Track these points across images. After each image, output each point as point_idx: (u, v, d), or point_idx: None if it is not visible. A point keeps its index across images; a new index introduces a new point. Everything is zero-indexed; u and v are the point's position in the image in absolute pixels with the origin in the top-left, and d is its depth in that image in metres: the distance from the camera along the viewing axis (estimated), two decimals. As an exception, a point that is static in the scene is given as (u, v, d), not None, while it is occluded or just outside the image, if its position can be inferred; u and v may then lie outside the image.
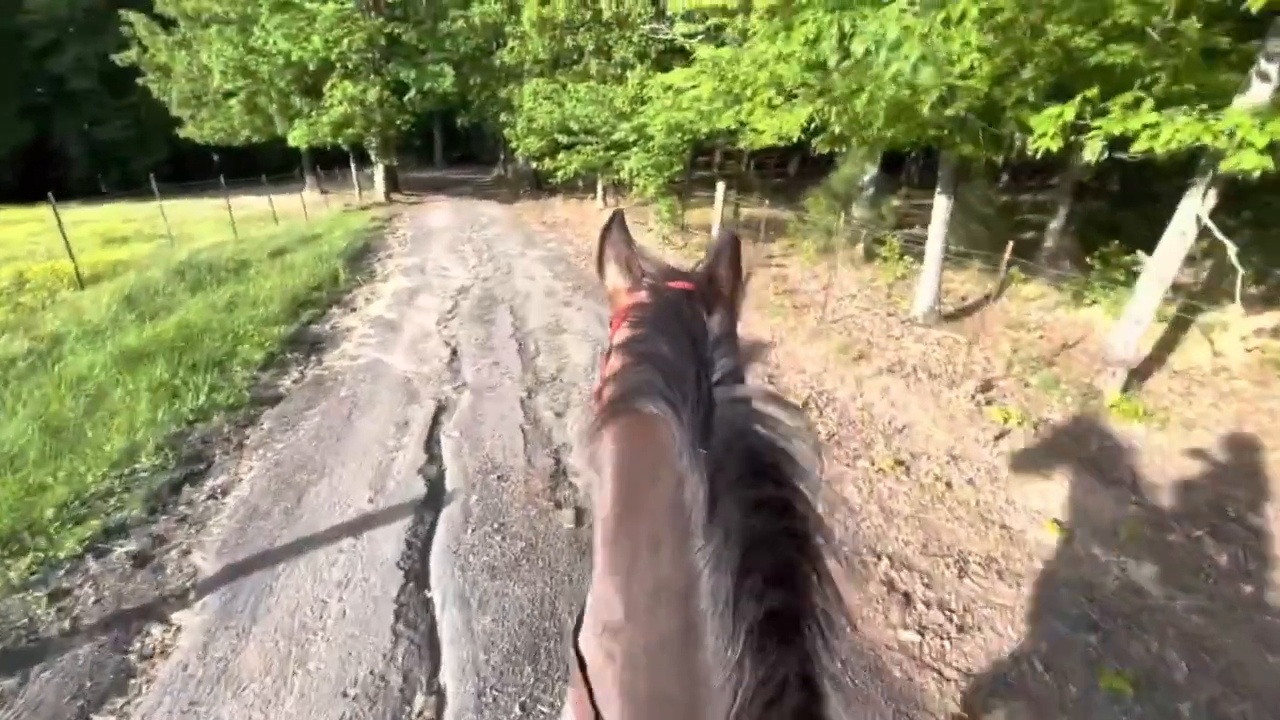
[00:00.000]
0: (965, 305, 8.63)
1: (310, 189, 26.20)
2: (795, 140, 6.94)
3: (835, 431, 4.81)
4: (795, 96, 6.68)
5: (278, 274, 8.99)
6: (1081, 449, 4.46)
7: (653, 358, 0.67)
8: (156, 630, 2.73)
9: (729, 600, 0.52)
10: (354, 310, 8.09)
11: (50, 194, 8.22)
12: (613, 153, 13.12)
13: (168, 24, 21.33)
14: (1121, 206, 11.11)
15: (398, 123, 19.78)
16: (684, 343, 0.68)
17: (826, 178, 19.48)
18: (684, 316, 0.73)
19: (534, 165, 16.37)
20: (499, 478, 4.00)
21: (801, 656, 0.53)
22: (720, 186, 10.47)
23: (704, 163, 23.09)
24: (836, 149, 6.43)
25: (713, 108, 7.18)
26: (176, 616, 2.81)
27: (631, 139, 11.00)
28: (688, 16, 11.03)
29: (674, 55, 12.57)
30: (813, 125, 6.22)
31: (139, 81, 22.59)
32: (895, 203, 16.92)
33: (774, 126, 6.81)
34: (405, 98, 18.70)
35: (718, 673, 0.51)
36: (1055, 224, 9.80)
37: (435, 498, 3.78)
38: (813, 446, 0.62)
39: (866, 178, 13.87)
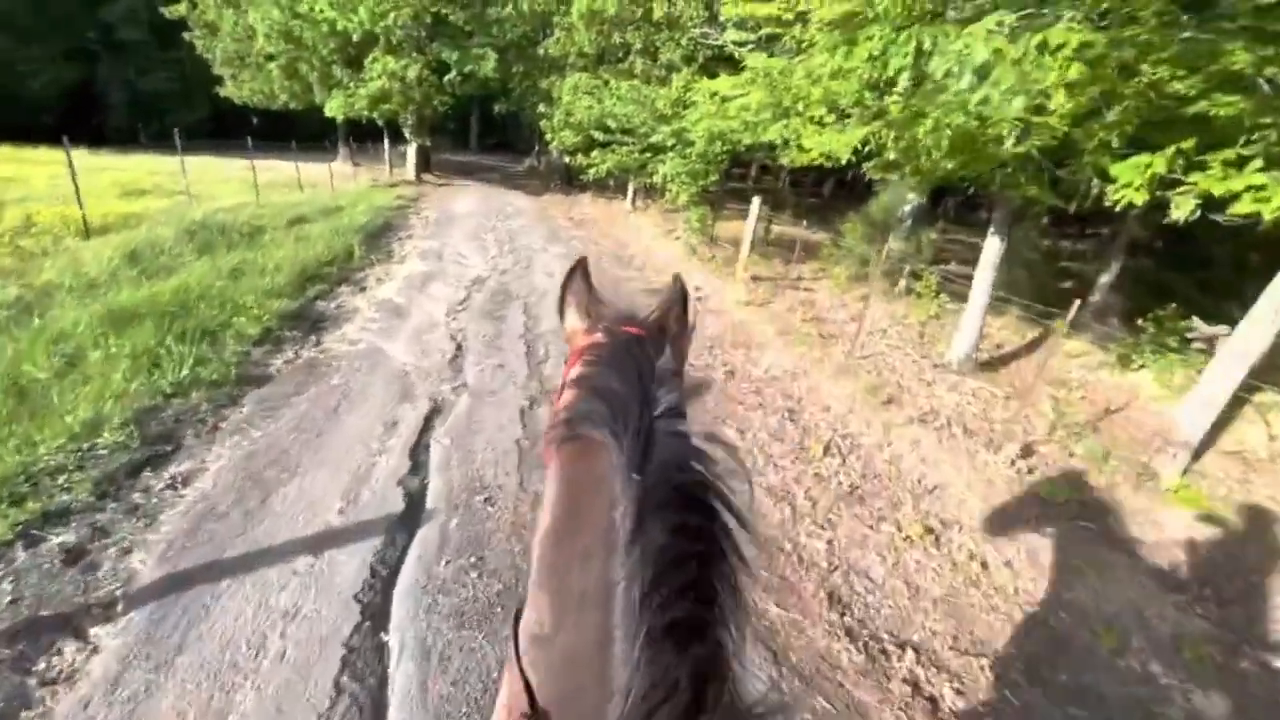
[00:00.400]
0: (1001, 353, 8.15)
1: (342, 160, 26.16)
2: (838, 162, 6.54)
3: (859, 485, 4.38)
4: (848, 116, 6.27)
5: (291, 244, 8.71)
6: (1136, 540, 4.00)
7: (601, 391, 0.72)
8: (70, 648, 2.37)
9: (635, 609, 0.57)
10: (363, 290, 7.77)
11: (65, 137, 7.95)
12: (648, 155, 12.74)
13: (220, -20, 21.31)
14: (1170, 267, 10.50)
15: (435, 103, 19.58)
16: (631, 378, 0.73)
17: (865, 204, 19.05)
18: (634, 355, 0.78)
19: (566, 160, 15.99)
20: (486, 500, 3.62)
21: (695, 662, 0.57)
22: (755, 202, 10.05)
23: (738, 175, 22.68)
24: (886, 176, 6.00)
25: (759, 119, 6.78)
26: (96, 632, 2.45)
27: (669, 143, 10.62)
28: (740, 24, 10.66)
29: (721, 62, 12.18)
30: (865, 149, 5.79)
31: (185, 36, 22.62)
32: (932, 236, 16.47)
33: (821, 145, 6.40)
34: (445, 78, 18.47)
35: (620, 675, 0.56)
36: (1106, 278, 9.28)
37: (412, 516, 3.40)
38: (742, 481, 0.69)
39: (907, 208, 13.41)
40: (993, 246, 6.42)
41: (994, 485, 4.49)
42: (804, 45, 7.02)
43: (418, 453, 4.05)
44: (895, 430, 5.23)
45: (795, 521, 3.83)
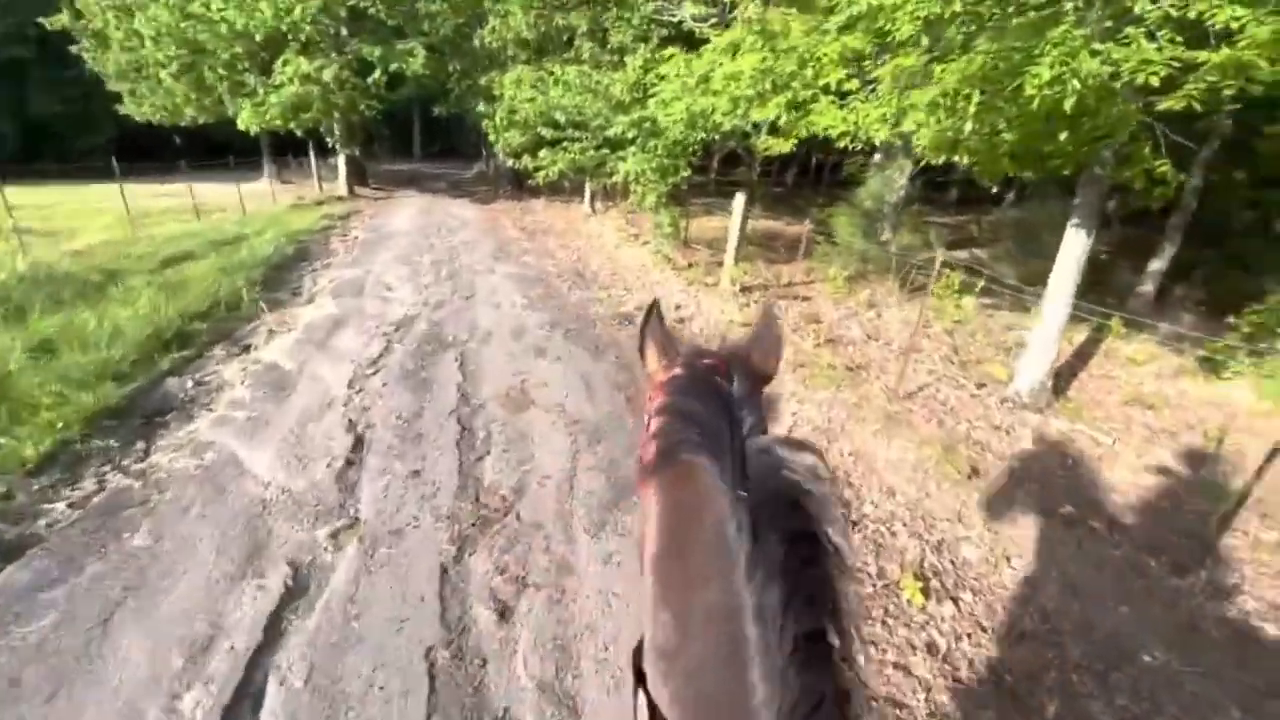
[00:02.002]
0: (1058, 366, 6.63)
1: (268, 179, 23.68)
2: (855, 143, 4.90)
3: (975, 634, 2.71)
4: (872, 83, 4.59)
5: (153, 293, 6.67)
6: None
7: (689, 416, 0.76)
8: None
9: (775, 622, 0.58)
10: (243, 353, 5.81)
11: None
12: (605, 152, 10.95)
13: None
14: (1241, 254, 8.70)
15: (361, 108, 17.40)
16: (715, 403, 0.77)
17: (834, 191, 17.55)
18: (714, 383, 0.81)
19: (513, 163, 13.95)
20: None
21: (835, 672, 0.58)
22: (739, 198, 8.36)
23: (699, 167, 20.88)
24: (935, 157, 4.33)
25: (756, 91, 5.06)
26: None
27: (630, 135, 8.88)
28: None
29: (679, 43, 10.45)
30: (917, 125, 4.10)
31: (72, 50, 19.93)
32: (944, 221, 15.04)
33: (841, 122, 4.73)
34: (370, 79, 16.31)
35: (764, 685, 0.56)
36: (1157, 264, 7.86)
37: None
38: (829, 485, 0.68)
39: (898, 195, 11.93)
40: (1076, 243, 4.83)
41: (1176, 613, 2.87)
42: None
43: (238, 714, 2.22)
44: (1005, 529, 3.58)
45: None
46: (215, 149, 25.11)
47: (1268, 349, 5.89)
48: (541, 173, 10.76)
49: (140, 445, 4.03)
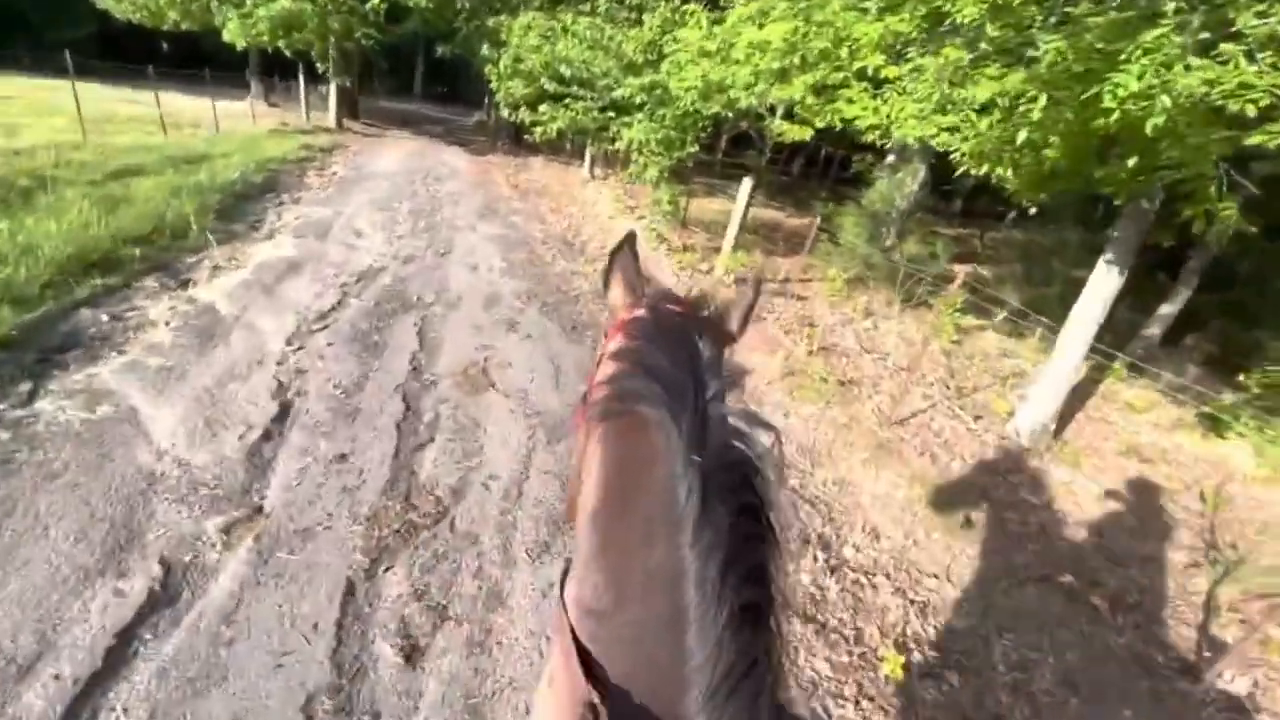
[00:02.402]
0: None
1: (254, 99, 22.34)
2: (884, 138, 4.39)
3: None
4: (916, 71, 4.05)
5: (87, 206, 5.96)
6: None
7: (653, 369, 0.71)
8: None
9: (715, 590, 0.58)
10: (180, 289, 5.19)
11: None
12: (610, 115, 10.25)
13: None
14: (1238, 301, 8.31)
15: (357, 35, 16.30)
16: (681, 358, 0.72)
17: (841, 186, 16.96)
18: (680, 336, 0.76)
19: (513, 115, 13.00)
20: None
21: (768, 641, 0.61)
22: (746, 184, 7.80)
23: (706, 145, 19.99)
24: (988, 171, 3.78)
25: (783, 65, 4.49)
26: None
27: (638, 99, 8.21)
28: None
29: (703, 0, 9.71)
30: (958, 128, 3.58)
31: (47, -71, 18.38)
32: (948, 233, 14.58)
33: (873, 114, 4.20)
34: (367, 3, 15.19)
35: (699, 651, 0.57)
36: (1168, 308, 7.52)
37: None
38: (778, 463, 0.75)
39: (907, 200, 11.46)
40: (1107, 281, 4.40)
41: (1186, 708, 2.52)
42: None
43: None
44: (998, 595, 3.19)
45: None
46: (204, 60, 23.62)
47: (1264, 414, 5.59)
48: (539, 129, 10.01)
49: (25, 387, 3.44)
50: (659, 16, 8.50)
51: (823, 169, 27.45)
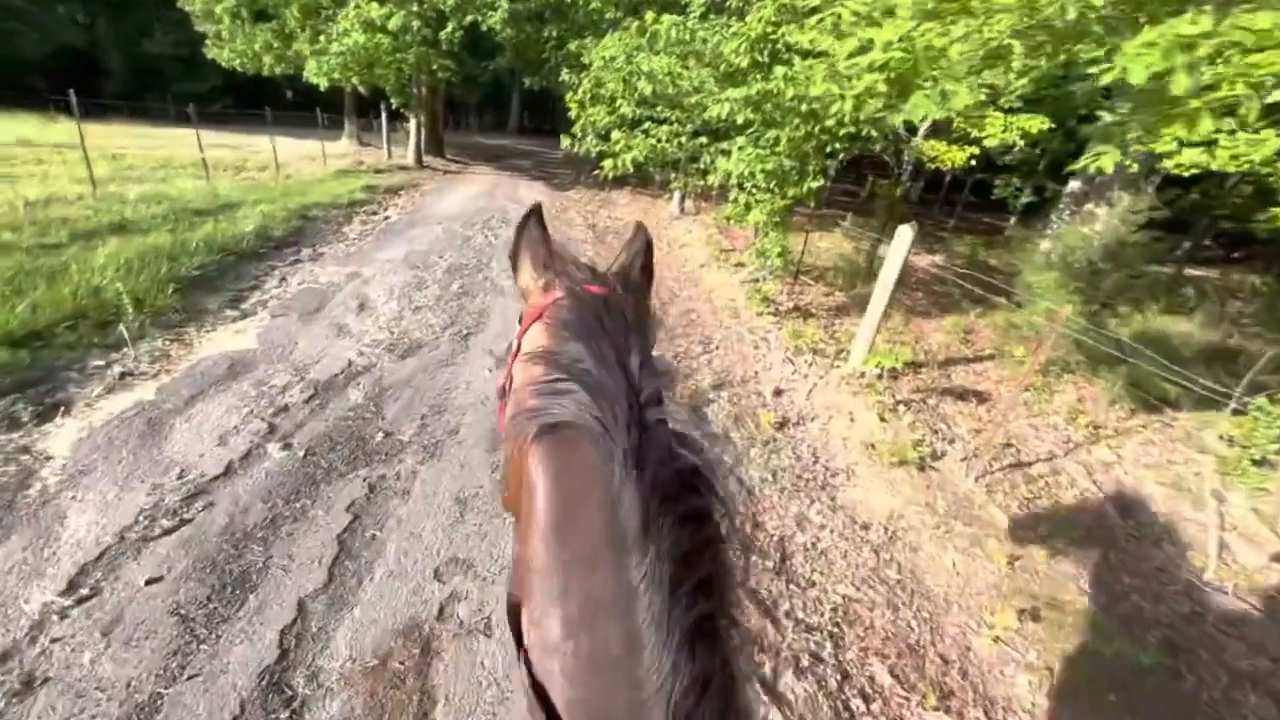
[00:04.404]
0: None
1: (348, 139, 22.35)
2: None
3: None
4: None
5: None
6: None
7: (579, 375, 0.65)
8: None
9: (665, 611, 0.54)
10: (16, 428, 3.36)
11: None
12: (701, 140, 7.95)
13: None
14: None
15: (434, 68, 15.20)
16: (610, 358, 0.67)
17: (1039, 230, 13.08)
18: (606, 327, 0.71)
19: (579, 146, 10.62)
20: None
21: (722, 655, 0.57)
22: (906, 233, 5.11)
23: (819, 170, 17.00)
24: None
25: (961, 65, 1.98)
26: None
27: (739, 118, 5.83)
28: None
29: None
30: None
31: (179, -11, 19.02)
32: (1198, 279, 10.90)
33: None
34: (441, 33, 14.02)
35: (655, 676, 0.53)
36: None
37: None
38: (723, 467, 0.66)
39: (1114, 239, 8.21)
40: None
41: None
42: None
43: None
44: None
45: None
46: (322, 104, 24.13)
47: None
48: (608, 162, 7.82)
49: None
50: (771, 6, 6.07)
51: (946, 192, 23.45)
